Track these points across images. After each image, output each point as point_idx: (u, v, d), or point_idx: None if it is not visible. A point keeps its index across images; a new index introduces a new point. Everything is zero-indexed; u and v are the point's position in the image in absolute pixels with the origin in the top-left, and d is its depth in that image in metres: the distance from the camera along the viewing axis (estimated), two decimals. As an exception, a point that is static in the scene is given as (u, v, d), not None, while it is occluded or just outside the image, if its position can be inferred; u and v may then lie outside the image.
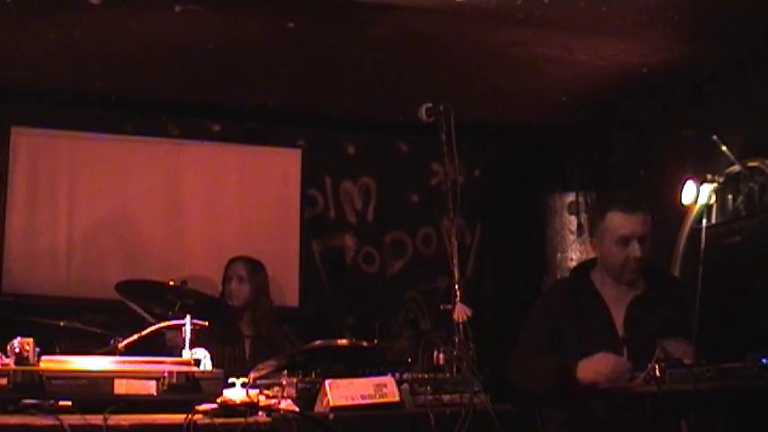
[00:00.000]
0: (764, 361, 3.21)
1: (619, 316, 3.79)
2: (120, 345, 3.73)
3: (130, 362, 2.67)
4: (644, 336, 3.67)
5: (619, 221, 3.78)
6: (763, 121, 4.98)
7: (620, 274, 3.82)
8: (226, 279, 5.34)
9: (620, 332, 3.74)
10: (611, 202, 3.95)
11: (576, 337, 3.76)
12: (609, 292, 3.85)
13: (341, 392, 2.58)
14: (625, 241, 3.76)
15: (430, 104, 3.39)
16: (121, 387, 2.50)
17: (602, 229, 3.83)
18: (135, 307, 4.98)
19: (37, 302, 5.78)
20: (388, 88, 5.74)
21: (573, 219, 5.91)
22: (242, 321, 5.21)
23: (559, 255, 6.02)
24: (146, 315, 4.87)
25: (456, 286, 3.09)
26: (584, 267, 4.04)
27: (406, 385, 2.71)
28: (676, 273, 5.29)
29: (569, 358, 3.67)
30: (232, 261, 5.40)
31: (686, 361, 3.42)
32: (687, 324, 3.80)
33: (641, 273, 3.82)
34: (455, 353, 2.84)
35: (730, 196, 5.17)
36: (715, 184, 5.20)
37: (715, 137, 5.10)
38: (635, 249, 3.74)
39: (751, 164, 5.01)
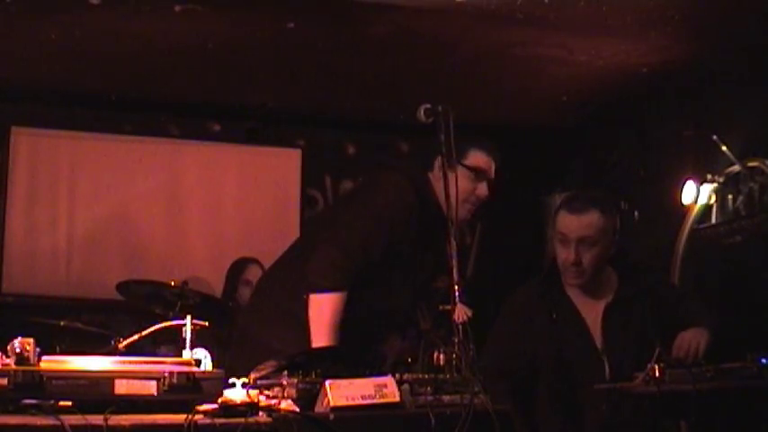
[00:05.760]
0: (764, 361, 3.21)
1: (594, 324, 3.62)
2: (121, 345, 3.74)
3: (131, 362, 2.67)
4: (624, 343, 3.58)
5: (561, 221, 3.61)
6: (763, 121, 4.99)
7: (564, 277, 3.64)
8: (241, 282, 5.29)
9: (599, 343, 3.60)
10: (564, 199, 3.77)
11: (551, 344, 3.62)
12: (580, 295, 3.66)
13: (341, 393, 2.58)
14: (565, 242, 3.58)
15: (428, 105, 3.38)
16: (122, 387, 2.50)
17: (553, 227, 3.67)
18: None
19: (37, 302, 5.79)
20: (388, 88, 5.74)
21: (573, 219, 5.90)
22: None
23: (559, 255, 6.01)
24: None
25: (456, 286, 3.08)
26: (556, 267, 3.77)
27: (406, 386, 2.71)
28: (676, 273, 5.29)
29: (546, 367, 3.60)
30: (245, 264, 5.36)
31: (702, 344, 3.39)
32: (665, 314, 3.64)
33: (588, 281, 3.60)
34: (455, 353, 2.84)
35: (730, 196, 5.18)
36: (715, 184, 5.20)
37: (715, 137, 5.10)
38: (569, 252, 3.56)
39: (751, 164, 5.01)
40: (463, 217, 3.56)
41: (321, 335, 3.37)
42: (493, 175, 3.64)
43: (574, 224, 3.57)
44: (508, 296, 3.86)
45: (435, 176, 3.57)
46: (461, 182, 3.37)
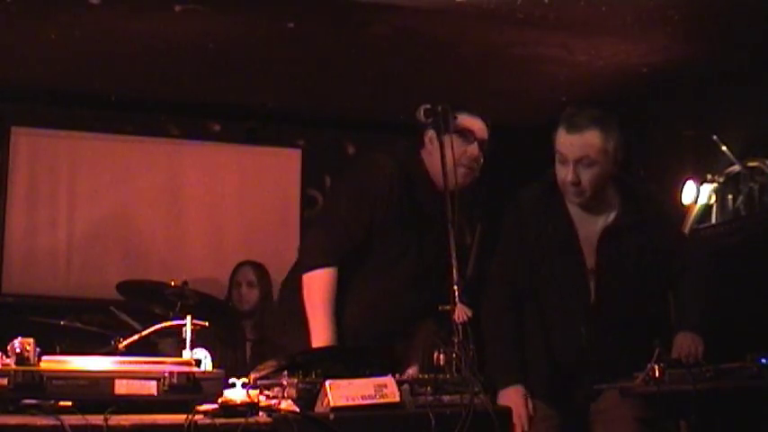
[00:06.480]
0: (764, 361, 3.21)
1: (588, 244, 3.50)
2: (121, 345, 3.73)
3: (131, 362, 2.66)
4: (617, 267, 3.48)
5: (558, 139, 3.44)
6: (763, 121, 4.99)
7: (564, 195, 3.51)
8: (234, 284, 5.37)
9: (590, 263, 3.48)
10: (563, 115, 3.51)
11: (544, 259, 3.53)
12: (579, 214, 3.53)
13: (341, 393, 2.58)
14: (563, 161, 3.44)
15: (428, 106, 3.39)
16: (122, 387, 2.49)
17: (552, 144, 3.51)
18: (125, 317, 4.98)
19: (37, 302, 5.79)
20: (388, 88, 5.74)
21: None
22: (246, 324, 5.23)
23: (559, 254, 6.00)
24: (132, 323, 4.87)
25: (456, 286, 3.08)
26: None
27: (406, 386, 2.71)
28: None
29: (537, 281, 3.53)
30: (240, 266, 5.44)
31: (700, 350, 3.35)
32: (664, 248, 3.56)
33: (589, 199, 3.47)
34: (455, 353, 2.84)
35: (730, 196, 5.17)
36: (715, 184, 5.20)
37: (715, 137, 5.10)
38: (567, 172, 3.41)
39: (751, 164, 5.01)
40: (460, 182, 3.47)
41: (316, 313, 3.43)
42: (485, 136, 3.62)
43: (572, 144, 3.40)
44: (512, 201, 3.74)
45: (426, 151, 3.60)
46: (448, 148, 3.38)
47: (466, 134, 3.55)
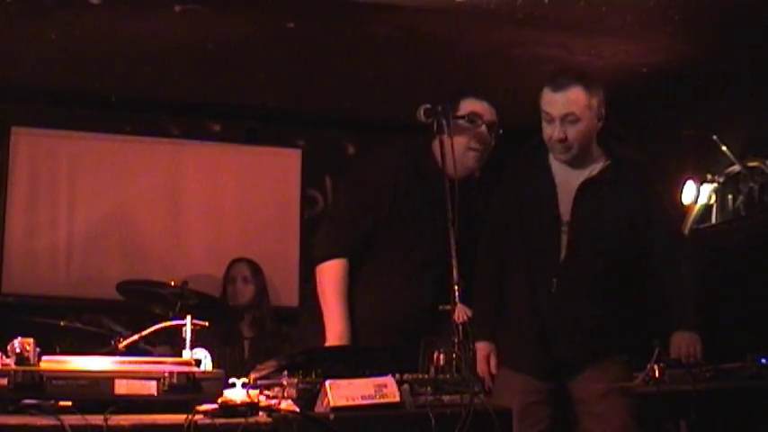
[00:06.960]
0: (764, 361, 3.21)
1: (566, 198, 3.55)
2: (121, 345, 3.74)
3: (131, 362, 2.66)
4: (591, 221, 3.51)
5: (544, 98, 3.52)
6: (763, 121, 4.99)
7: (552, 153, 3.59)
8: (229, 280, 5.37)
9: (565, 215, 3.52)
10: (547, 76, 3.61)
11: (524, 208, 3.61)
12: (562, 169, 3.60)
13: (341, 393, 2.58)
14: (549, 120, 3.51)
15: (428, 105, 3.40)
16: (122, 387, 2.49)
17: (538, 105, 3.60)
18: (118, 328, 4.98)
19: (37, 302, 5.79)
20: (388, 88, 5.74)
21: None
22: (242, 322, 5.22)
23: (559, 254, 6.00)
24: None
25: (456, 286, 3.08)
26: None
27: (406, 386, 2.71)
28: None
29: (518, 236, 3.59)
30: (234, 262, 5.44)
31: (698, 349, 3.36)
32: (643, 208, 3.57)
33: (576, 155, 3.53)
34: (455, 353, 2.84)
35: (730, 196, 5.17)
36: (715, 184, 5.20)
37: (715, 137, 5.10)
38: (554, 129, 3.48)
39: (751, 164, 5.01)
40: (470, 165, 3.61)
41: (328, 303, 3.51)
42: (494, 118, 3.66)
43: (557, 101, 3.48)
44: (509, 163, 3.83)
45: (438, 141, 3.60)
46: (457, 134, 3.46)
47: (473, 118, 3.61)
